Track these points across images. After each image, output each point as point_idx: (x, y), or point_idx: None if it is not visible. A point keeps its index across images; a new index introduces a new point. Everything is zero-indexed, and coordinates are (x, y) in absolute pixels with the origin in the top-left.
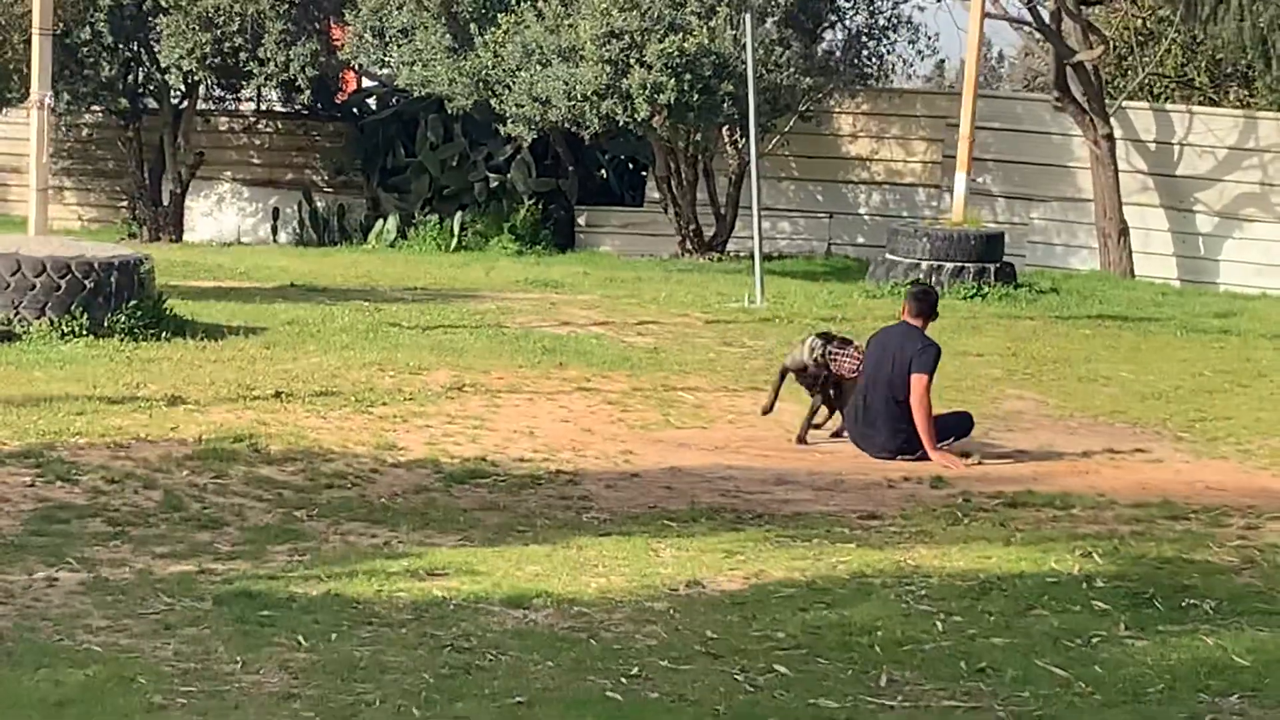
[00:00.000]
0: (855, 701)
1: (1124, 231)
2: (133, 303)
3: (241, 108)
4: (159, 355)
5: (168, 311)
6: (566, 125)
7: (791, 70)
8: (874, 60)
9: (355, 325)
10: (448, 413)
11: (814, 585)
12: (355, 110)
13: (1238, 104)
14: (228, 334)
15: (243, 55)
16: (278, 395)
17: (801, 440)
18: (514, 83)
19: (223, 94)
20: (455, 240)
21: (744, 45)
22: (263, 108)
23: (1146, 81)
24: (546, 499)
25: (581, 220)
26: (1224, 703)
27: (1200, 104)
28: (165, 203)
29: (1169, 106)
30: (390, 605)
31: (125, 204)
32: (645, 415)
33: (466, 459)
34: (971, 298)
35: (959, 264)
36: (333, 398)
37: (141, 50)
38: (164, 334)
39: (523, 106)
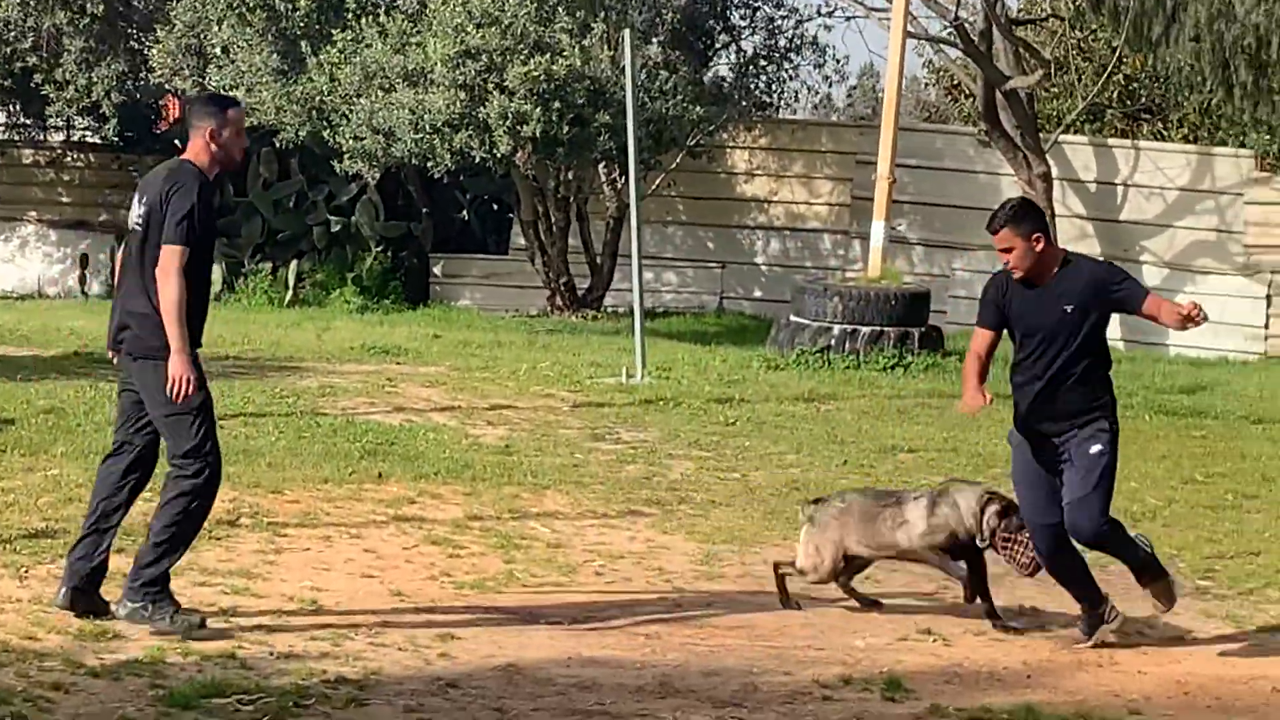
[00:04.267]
0: None
1: None
2: None
3: (50, 138)
4: None
5: None
6: (414, 161)
7: (679, 99)
8: (773, 87)
9: None
10: (204, 565)
11: None
12: (177, 142)
13: (1154, 138)
14: None
15: (37, 77)
16: None
17: None
18: (352, 111)
19: (25, 122)
20: (290, 292)
21: (623, 69)
22: (73, 138)
23: (1056, 114)
24: None
25: (437, 270)
26: None
27: (1111, 137)
28: None
29: (1111, 141)
30: None
31: None
32: (481, 563)
33: (207, 658)
34: (893, 368)
35: (877, 328)
36: (49, 541)
37: None
38: None
39: (363, 139)
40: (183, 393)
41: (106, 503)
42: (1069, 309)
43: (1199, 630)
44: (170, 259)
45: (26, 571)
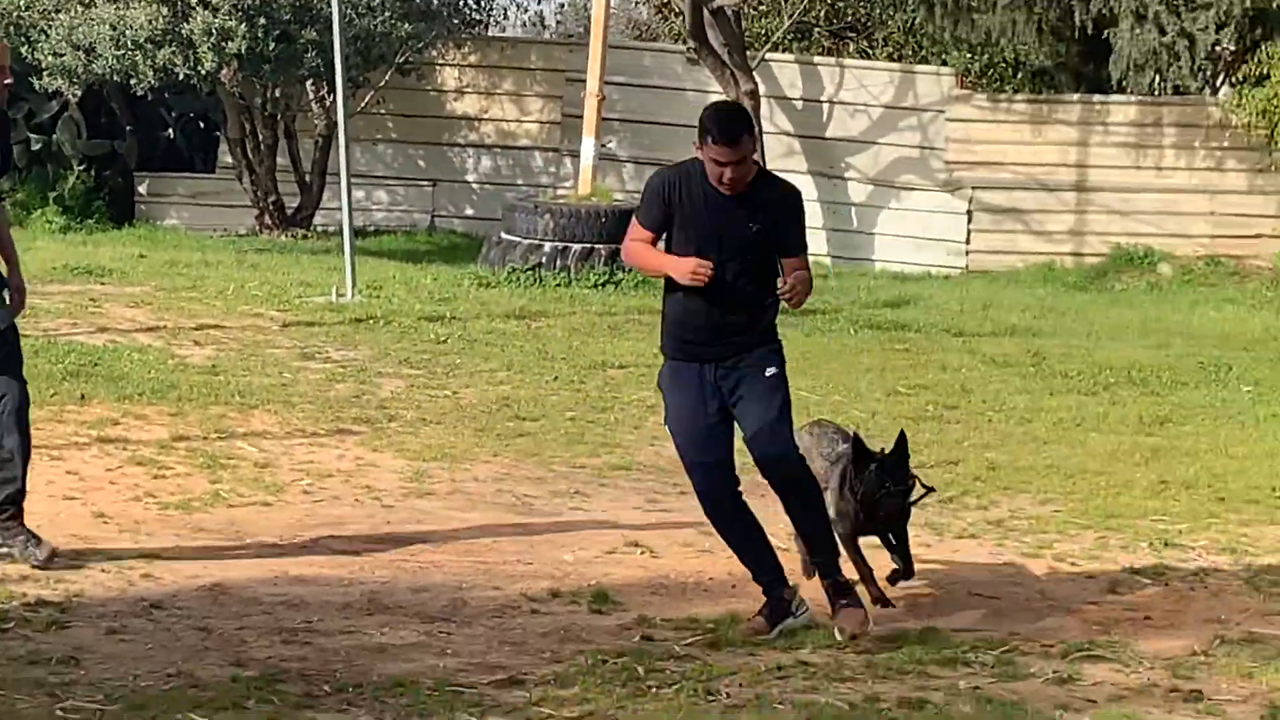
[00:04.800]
0: None
1: None
2: None
3: None
4: None
5: None
6: (116, 78)
7: (387, 15)
8: (482, 4)
9: None
10: None
11: None
12: None
13: (859, 56)
14: None
15: None
16: None
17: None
18: (51, 26)
19: None
20: None
21: None
22: None
23: (764, 31)
24: (10, 663)
25: (142, 189)
26: None
27: (818, 55)
28: None
29: (817, 59)
30: None
31: None
32: (186, 483)
33: None
34: (604, 285)
35: (588, 245)
36: None
37: None
38: None
39: (62, 55)
40: None
41: None
42: (754, 228)
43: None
44: None
45: None
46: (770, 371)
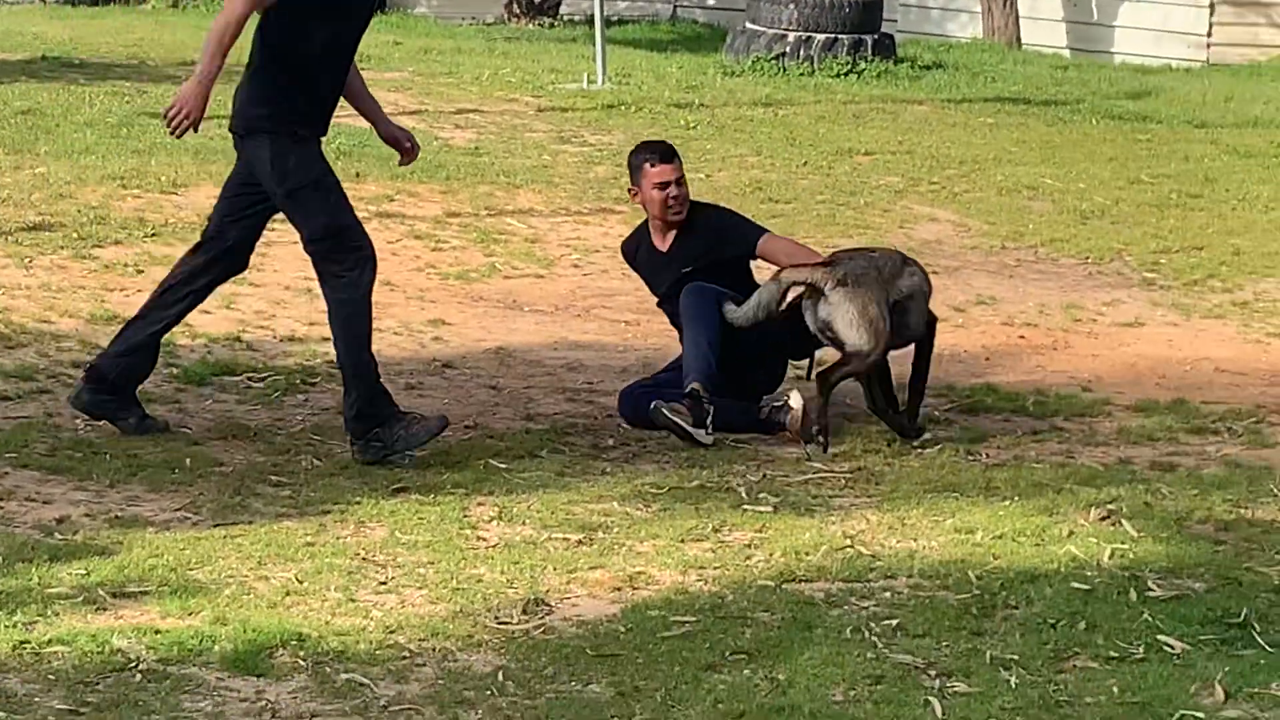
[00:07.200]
0: None
1: None
2: None
3: None
4: None
5: None
6: None
7: None
8: None
9: (105, 118)
10: None
11: (720, 605)
12: None
13: None
14: None
15: None
16: None
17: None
18: None
19: None
20: None
21: None
22: None
23: None
24: (320, 413)
25: None
26: None
27: None
28: None
29: None
30: (35, 678)
31: None
32: (463, 256)
33: (214, 340)
34: (846, 75)
35: (832, 35)
36: (48, 234)
37: None
38: None
39: None
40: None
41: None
42: (688, 272)
43: (1147, 318)
44: None
45: (31, 261)
46: None
